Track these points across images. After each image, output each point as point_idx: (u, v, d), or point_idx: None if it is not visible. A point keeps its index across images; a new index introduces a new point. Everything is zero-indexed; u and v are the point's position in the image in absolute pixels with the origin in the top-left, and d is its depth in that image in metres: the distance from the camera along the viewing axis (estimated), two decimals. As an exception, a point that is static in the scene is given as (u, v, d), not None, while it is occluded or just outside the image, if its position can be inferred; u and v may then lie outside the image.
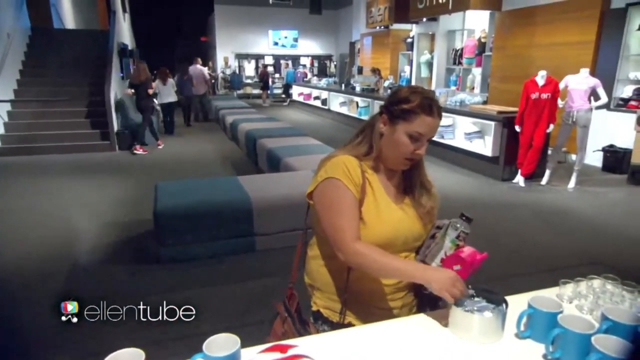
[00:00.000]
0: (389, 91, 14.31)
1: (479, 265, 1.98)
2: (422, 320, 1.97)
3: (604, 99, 7.89)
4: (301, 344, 1.74)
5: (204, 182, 7.58)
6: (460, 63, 14.24)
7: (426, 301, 2.21)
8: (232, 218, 6.06)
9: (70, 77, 13.59)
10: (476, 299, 1.95)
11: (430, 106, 2.02)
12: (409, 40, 17.09)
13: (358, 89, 16.53)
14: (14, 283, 4.91)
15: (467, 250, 2.01)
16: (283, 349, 1.73)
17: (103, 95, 12.12)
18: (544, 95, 7.97)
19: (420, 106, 2.00)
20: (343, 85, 18.85)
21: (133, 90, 12.56)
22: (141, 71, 12.00)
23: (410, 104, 2.02)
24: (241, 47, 26.53)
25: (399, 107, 2.04)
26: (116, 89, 13.85)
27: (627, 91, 9.07)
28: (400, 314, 2.21)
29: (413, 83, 16.12)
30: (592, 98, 7.89)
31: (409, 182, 2.25)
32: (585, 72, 7.85)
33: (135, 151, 11.80)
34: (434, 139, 7.92)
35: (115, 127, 12.30)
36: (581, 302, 2.07)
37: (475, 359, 1.73)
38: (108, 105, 12.04)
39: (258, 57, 26.93)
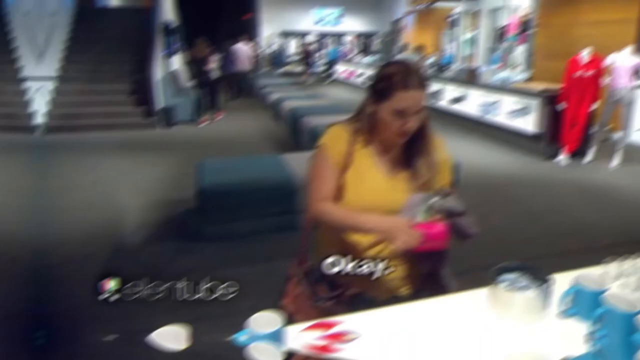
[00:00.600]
0: (432, 69, 14.65)
1: (440, 243, 2.00)
2: (467, 298, 1.97)
3: (647, 77, 7.84)
4: (346, 320, 1.77)
5: (247, 160, 7.70)
6: (504, 40, 14.25)
7: (426, 282, 2.24)
8: (276, 196, 6.12)
9: (114, 55, 13.80)
10: (520, 276, 1.94)
11: (405, 80, 2.00)
12: (451, 19, 17.12)
13: (400, 67, 16.65)
14: (55, 260, 5.08)
15: (438, 226, 2.01)
16: (327, 326, 1.77)
17: (147, 73, 12.47)
18: (588, 73, 8.01)
19: (396, 82, 2.00)
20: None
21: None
22: (201, 47, 12.51)
23: (387, 82, 2.03)
24: (285, 25, 26.62)
25: (378, 85, 2.07)
26: (160, 66, 14.17)
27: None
28: (392, 285, 2.22)
29: (459, 62, 16.19)
30: (637, 74, 7.93)
31: (409, 155, 2.23)
32: (629, 50, 7.93)
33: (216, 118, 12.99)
34: (473, 115, 7.98)
35: (162, 104, 12.61)
36: (626, 281, 2.03)
37: (518, 337, 1.72)
38: (152, 83, 12.38)
39: (301, 35, 26.94)
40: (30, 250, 5.49)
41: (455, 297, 2.03)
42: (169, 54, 15.55)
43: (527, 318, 1.79)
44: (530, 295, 1.83)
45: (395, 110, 2.01)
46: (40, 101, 12.02)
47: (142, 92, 12.64)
